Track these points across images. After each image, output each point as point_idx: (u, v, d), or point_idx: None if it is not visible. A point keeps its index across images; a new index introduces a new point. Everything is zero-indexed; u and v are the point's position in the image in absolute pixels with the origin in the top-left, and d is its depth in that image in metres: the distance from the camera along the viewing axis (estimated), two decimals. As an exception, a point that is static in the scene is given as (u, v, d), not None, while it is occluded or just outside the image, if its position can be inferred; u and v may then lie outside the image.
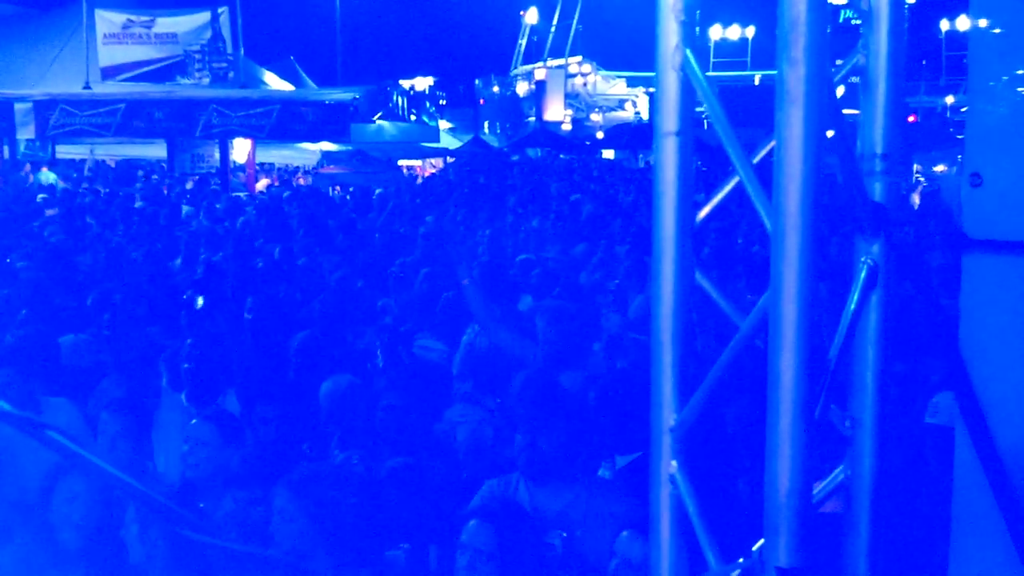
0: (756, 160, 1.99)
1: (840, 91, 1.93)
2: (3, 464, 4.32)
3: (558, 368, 4.92)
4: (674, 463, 2.05)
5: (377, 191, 17.23)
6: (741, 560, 1.98)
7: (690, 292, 2.02)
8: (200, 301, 6.78)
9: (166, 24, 22.21)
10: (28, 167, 21.15)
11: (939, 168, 26.95)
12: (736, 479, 3.64)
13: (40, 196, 16.43)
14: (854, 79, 2.04)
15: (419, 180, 28.37)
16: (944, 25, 45.70)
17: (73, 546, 3.62)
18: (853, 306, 1.92)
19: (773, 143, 1.76)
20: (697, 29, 2.00)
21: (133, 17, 22.25)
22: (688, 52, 1.97)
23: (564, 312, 5.29)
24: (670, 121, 1.99)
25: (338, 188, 22.22)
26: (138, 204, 15.08)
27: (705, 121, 2.10)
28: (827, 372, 1.87)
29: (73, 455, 3.18)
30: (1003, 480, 1.91)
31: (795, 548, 1.72)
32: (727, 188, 2.05)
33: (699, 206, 2.11)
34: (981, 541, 2.06)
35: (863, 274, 1.95)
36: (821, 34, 1.66)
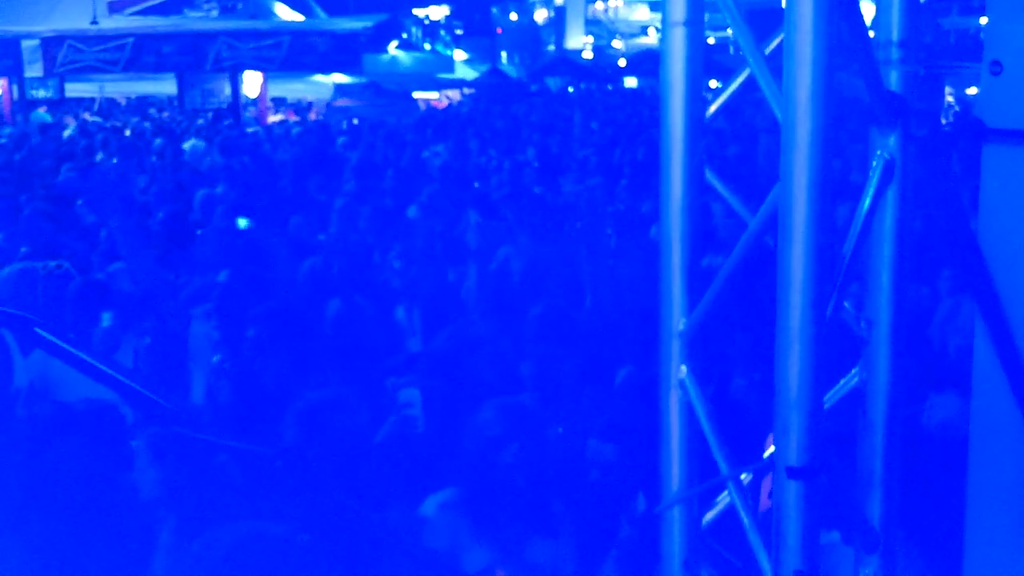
0: (768, 51, 1.91)
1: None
2: None
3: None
4: (684, 368, 2.00)
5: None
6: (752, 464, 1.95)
7: (700, 191, 1.96)
8: (243, 222, 6.76)
9: (173, -45, 21.89)
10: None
11: (971, 91, 26.33)
12: (746, 382, 3.63)
13: (66, 133, 16.27)
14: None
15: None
16: (975, -58, 44.41)
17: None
18: (868, 201, 1.85)
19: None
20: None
21: (138, -51, 21.91)
22: (695, -62, 1.88)
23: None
24: (678, 10, 1.91)
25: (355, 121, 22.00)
26: (158, 142, 14.95)
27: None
28: (840, 269, 1.81)
29: (61, 352, 3.13)
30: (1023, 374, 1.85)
31: (805, 447, 1.68)
32: (738, 81, 1.96)
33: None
34: (1001, 445, 2.02)
35: (879, 168, 1.87)
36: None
